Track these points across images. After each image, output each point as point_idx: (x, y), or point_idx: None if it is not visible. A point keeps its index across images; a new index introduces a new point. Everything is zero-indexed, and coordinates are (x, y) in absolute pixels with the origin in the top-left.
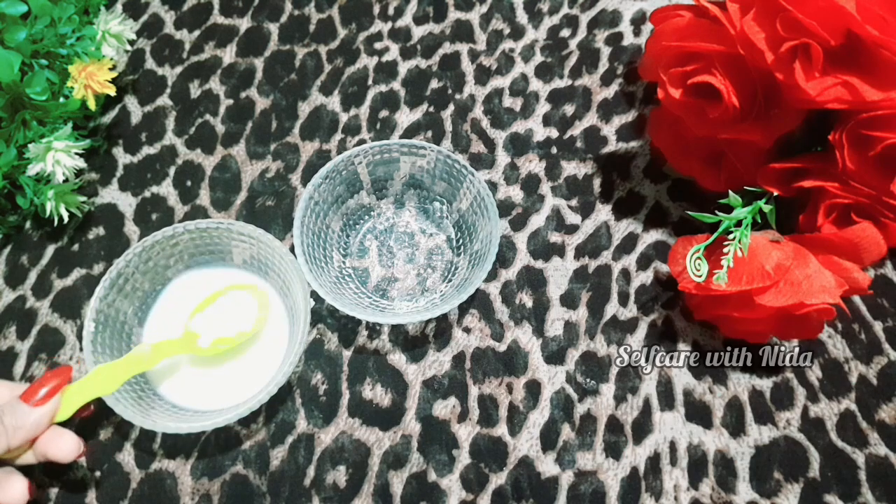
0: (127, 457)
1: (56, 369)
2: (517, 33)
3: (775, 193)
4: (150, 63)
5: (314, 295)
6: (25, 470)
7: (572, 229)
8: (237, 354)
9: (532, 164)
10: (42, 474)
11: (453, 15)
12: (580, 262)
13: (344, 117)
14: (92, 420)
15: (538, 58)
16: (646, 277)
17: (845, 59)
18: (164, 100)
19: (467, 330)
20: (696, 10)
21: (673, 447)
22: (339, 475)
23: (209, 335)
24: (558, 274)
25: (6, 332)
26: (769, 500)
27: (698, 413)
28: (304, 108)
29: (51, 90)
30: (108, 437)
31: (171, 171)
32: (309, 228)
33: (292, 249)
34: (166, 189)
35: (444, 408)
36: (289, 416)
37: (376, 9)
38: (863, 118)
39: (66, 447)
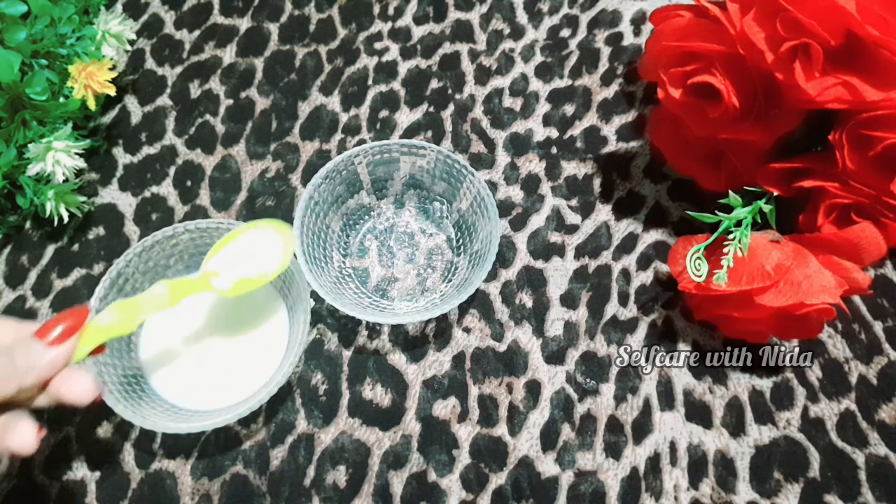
0: (127, 457)
1: (73, 308)
2: (517, 33)
3: (775, 193)
4: (150, 63)
5: (314, 295)
6: (35, 414)
7: (572, 229)
8: (237, 354)
9: (532, 164)
10: (41, 474)
11: (453, 15)
12: (580, 262)
13: (344, 117)
14: (92, 420)
15: (538, 58)
16: (646, 277)
17: (845, 59)
18: (164, 100)
19: (467, 330)
20: (696, 10)
21: (673, 447)
22: (339, 475)
23: (229, 276)
24: (558, 274)
25: None
26: (769, 500)
27: (698, 413)
28: (304, 108)
29: (51, 90)
30: (108, 437)
31: (171, 171)
32: (309, 228)
33: None
34: (166, 189)
35: (444, 408)
36: (289, 416)
37: (376, 9)
38: (863, 118)
39: (82, 389)
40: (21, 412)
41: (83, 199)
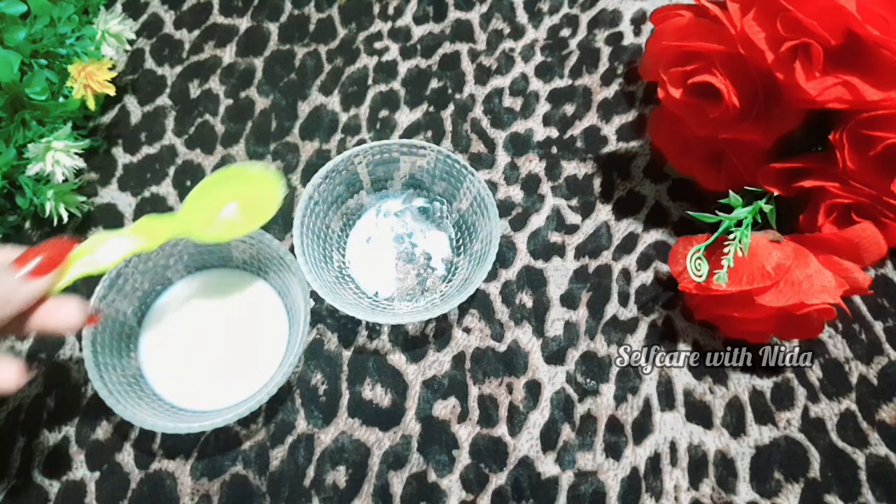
0: (127, 457)
1: (57, 239)
2: (517, 33)
3: (775, 193)
4: (149, 63)
5: (314, 295)
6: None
7: (572, 229)
8: (237, 354)
9: (532, 164)
10: (41, 474)
11: (453, 15)
12: (580, 262)
13: (344, 117)
14: (91, 420)
15: (538, 57)
16: (646, 277)
17: (845, 58)
18: (163, 100)
19: (467, 330)
20: (697, 10)
21: (673, 447)
22: (339, 475)
23: (216, 219)
24: (558, 274)
25: None
26: (769, 501)
27: (698, 413)
28: (304, 108)
29: (50, 90)
30: (108, 437)
31: (171, 171)
32: (309, 228)
33: (292, 249)
34: (166, 189)
35: (444, 408)
36: (289, 417)
37: (376, 8)
38: (863, 118)
39: (69, 316)
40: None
41: (83, 199)
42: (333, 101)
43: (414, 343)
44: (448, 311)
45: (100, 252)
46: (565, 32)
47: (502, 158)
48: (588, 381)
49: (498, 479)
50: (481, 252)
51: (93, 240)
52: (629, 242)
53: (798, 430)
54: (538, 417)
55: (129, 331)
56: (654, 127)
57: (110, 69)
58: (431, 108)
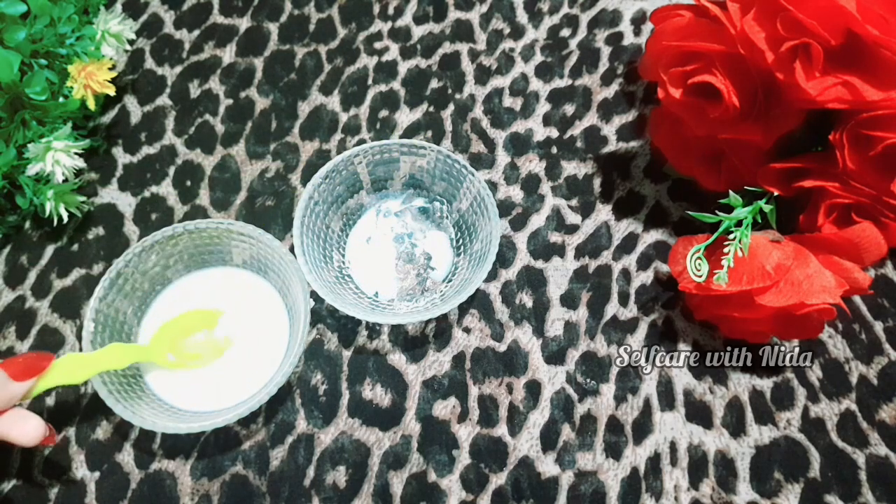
0: (127, 457)
1: (38, 353)
2: (517, 33)
3: (775, 193)
4: (149, 63)
5: (314, 295)
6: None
7: (572, 229)
8: (236, 354)
9: (532, 164)
10: (41, 474)
11: (453, 14)
12: (580, 262)
13: (344, 117)
14: (91, 420)
15: (538, 57)
16: (646, 277)
17: (846, 58)
18: (163, 99)
19: (467, 330)
20: (697, 10)
21: (673, 447)
22: (339, 475)
23: (177, 350)
24: (558, 274)
25: (6, 332)
26: (769, 501)
27: (698, 413)
28: (304, 108)
29: (50, 90)
30: (107, 437)
31: (171, 171)
32: (309, 228)
33: (292, 249)
34: (166, 189)
35: (444, 408)
36: (288, 417)
37: (376, 8)
38: (863, 118)
39: (30, 430)
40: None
41: (83, 198)
42: (333, 101)
43: (414, 343)
44: (448, 311)
45: (73, 368)
46: (565, 32)
47: (502, 158)
48: (588, 381)
49: (498, 479)
50: (481, 252)
51: (67, 357)
52: (629, 242)
53: (798, 430)
54: (538, 417)
55: (129, 331)
56: (654, 127)
57: (110, 69)
58: (431, 108)
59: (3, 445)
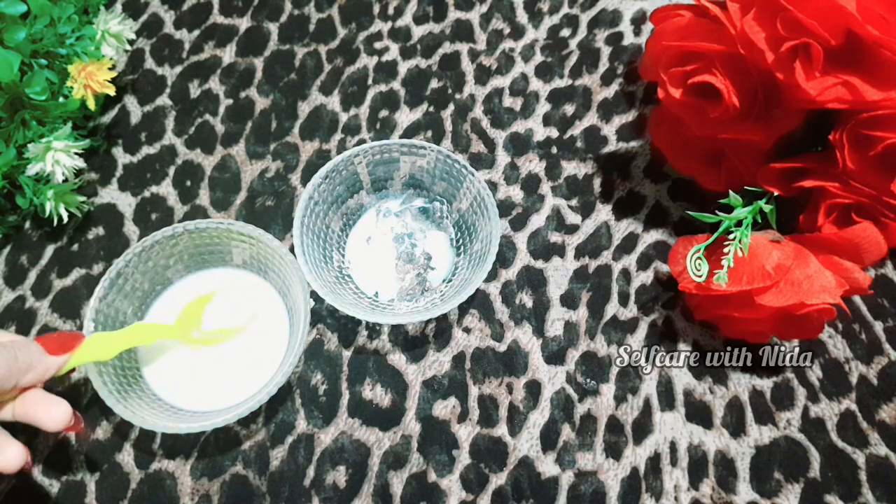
0: (126, 457)
1: (67, 332)
2: (517, 33)
3: (775, 193)
4: (149, 63)
5: (314, 295)
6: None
7: (572, 229)
8: (236, 354)
9: (532, 164)
10: (42, 474)
11: (453, 15)
12: (580, 262)
13: (344, 117)
14: (91, 420)
15: (538, 57)
16: (646, 277)
17: (846, 58)
18: (163, 99)
19: (467, 330)
20: (697, 10)
21: (673, 447)
22: (339, 475)
23: (203, 327)
24: (558, 274)
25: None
26: (769, 501)
27: (698, 413)
28: (304, 108)
29: (50, 90)
30: (108, 437)
31: (171, 171)
32: (309, 228)
33: (292, 249)
34: (166, 189)
35: (444, 408)
36: (289, 417)
37: (376, 8)
38: (863, 118)
39: (57, 415)
40: (2, 432)
41: (83, 198)
42: (333, 101)
43: (414, 343)
44: (448, 311)
45: (102, 346)
46: (565, 32)
47: (502, 158)
48: (588, 381)
49: (498, 479)
50: (481, 252)
51: (96, 336)
52: (629, 242)
53: (798, 430)
54: (538, 417)
55: None
56: (654, 127)
57: (110, 69)
58: (431, 108)
59: (28, 429)
